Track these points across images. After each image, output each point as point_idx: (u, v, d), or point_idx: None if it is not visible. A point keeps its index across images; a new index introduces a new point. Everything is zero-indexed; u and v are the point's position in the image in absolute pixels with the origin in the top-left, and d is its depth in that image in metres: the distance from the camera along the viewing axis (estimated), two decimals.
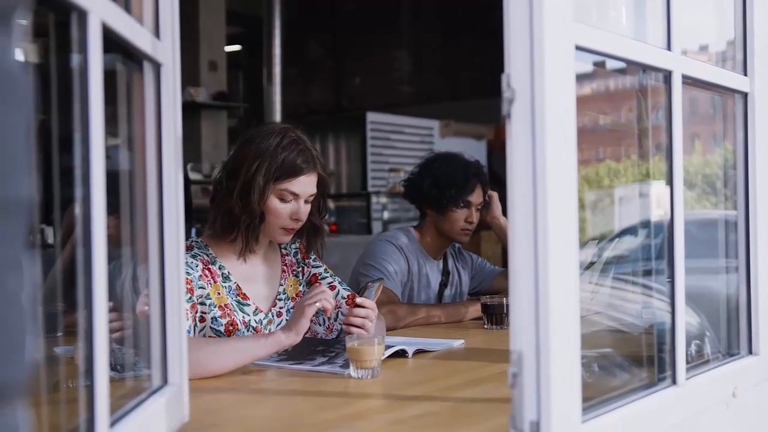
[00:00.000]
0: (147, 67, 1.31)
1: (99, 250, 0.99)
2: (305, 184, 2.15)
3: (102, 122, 1.00)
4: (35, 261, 0.61)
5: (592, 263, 2.24)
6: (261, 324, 2.20)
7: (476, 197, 2.96)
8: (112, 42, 1.09)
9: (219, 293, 2.13)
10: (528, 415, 1.14)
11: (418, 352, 2.12)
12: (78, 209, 0.99)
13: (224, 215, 2.15)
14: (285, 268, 2.32)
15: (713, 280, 1.94)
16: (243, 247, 2.18)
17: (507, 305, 2.60)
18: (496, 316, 2.60)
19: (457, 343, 2.29)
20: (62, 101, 1.02)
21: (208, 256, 2.16)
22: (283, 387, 1.75)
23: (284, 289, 2.30)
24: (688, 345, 1.57)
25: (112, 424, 1.07)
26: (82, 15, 0.97)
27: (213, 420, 1.50)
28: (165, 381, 1.34)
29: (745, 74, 1.76)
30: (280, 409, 1.62)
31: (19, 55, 0.58)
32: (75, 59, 0.99)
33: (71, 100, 1.00)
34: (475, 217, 2.96)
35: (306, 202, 2.18)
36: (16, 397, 0.56)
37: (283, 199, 2.14)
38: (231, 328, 2.12)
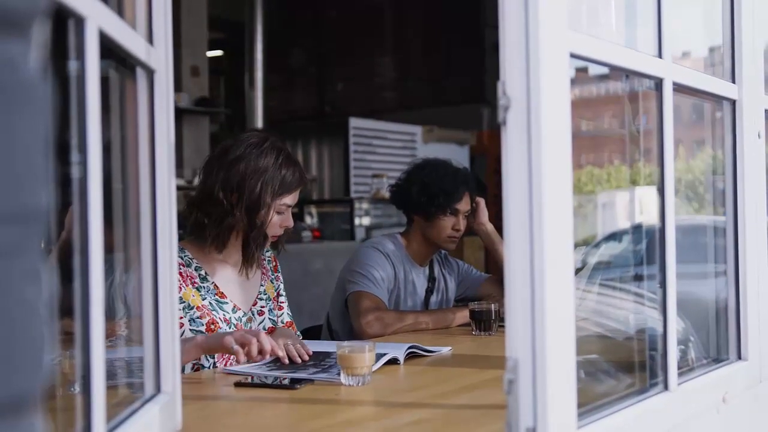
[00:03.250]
0: (140, 74, 1.30)
1: (95, 257, 0.98)
2: (297, 196, 2.28)
3: (99, 128, 1.00)
4: (51, 270, 0.61)
5: (578, 269, 2.25)
6: (241, 321, 2.26)
7: (464, 205, 2.96)
8: (106, 48, 1.08)
9: (194, 295, 2.18)
10: (524, 421, 1.14)
11: (411, 354, 2.13)
12: (75, 216, 0.98)
13: (227, 231, 2.21)
14: (264, 270, 2.40)
15: (697, 286, 1.95)
16: (246, 262, 2.27)
17: (495, 311, 2.60)
18: (484, 322, 2.60)
19: (446, 350, 2.29)
20: (57, 107, 1.01)
21: (182, 258, 2.18)
22: (275, 395, 1.74)
23: (264, 290, 2.37)
24: None
25: None
26: (80, 21, 0.97)
27: (205, 428, 1.49)
28: (158, 389, 1.33)
29: (733, 81, 1.77)
30: (273, 418, 1.61)
31: (37, 64, 0.58)
32: (72, 65, 0.99)
33: (67, 105, 1.00)
34: (462, 224, 2.96)
35: (292, 209, 2.30)
36: (35, 408, 0.55)
37: (279, 212, 2.24)
38: (213, 326, 2.18)
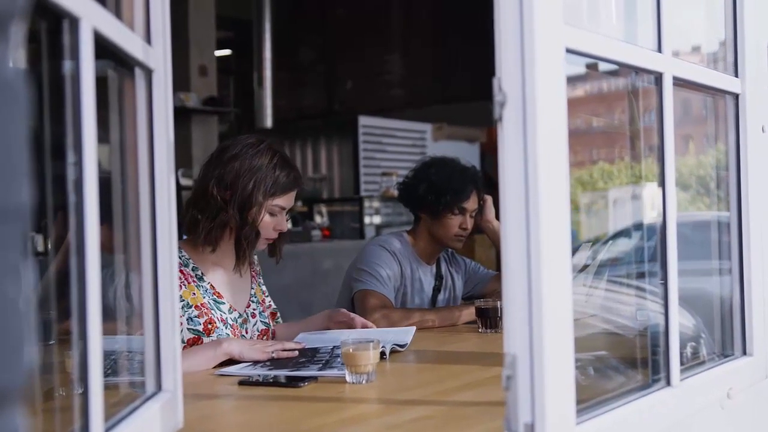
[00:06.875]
0: (138, 74, 1.31)
1: (92, 257, 0.99)
2: (292, 199, 2.31)
3: (94, 129, 1.00)
4: (32, 267, 0.62)
5: (586, 266, 2.25)
6: (236, 322, 2.29)
7: (471, 204, 2.95)
8: (103, 48, 1.08)
9: (194, 293, 2.21)
10: (522, 417, 1.14)
11: (393, 351, 2.16)
12: (71, 217, 0.98)
13: (219, 227, 2.23)
14: (254, 274, 2.45)
15: (707, 282, 1.95)
16: (239, 260, 2.29)
17: (501, 308, 2.60)
18: (490, 319, 2.60)
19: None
20: (53, 108, 1.01)
21: (180, 258, 2.20)
22: (278, 393, 1.74)
23: (254, 293, 2.41)
24: (683, 347, 1.57)
25: (107, 430, 1.07)
26: (74, 22, 0.97)
27: (207, 427, 1.50)
28: (159, 387, 1.34)
29: (737, 75, 1.77)
30: (275, 415, 1.61)
31: (16, 63, 0.59)
32: (66, 65, 0.99)
33: (62, 106, 1.00)
34: (469, 223, 2.96)
35: (287, 213, 2.32)
36: (15, 403, 0.56)
37: (272, 214, 2.27)
38: (210, 326, 2.20)
